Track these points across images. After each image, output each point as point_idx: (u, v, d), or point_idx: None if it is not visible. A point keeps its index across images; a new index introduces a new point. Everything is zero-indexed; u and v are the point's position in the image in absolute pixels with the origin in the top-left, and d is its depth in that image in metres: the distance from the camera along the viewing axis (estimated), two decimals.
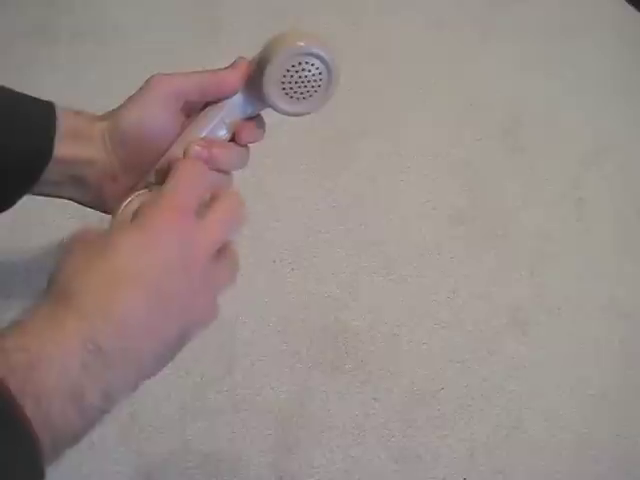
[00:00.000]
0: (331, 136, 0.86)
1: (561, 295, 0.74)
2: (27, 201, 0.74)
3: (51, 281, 0.38)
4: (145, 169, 0.51)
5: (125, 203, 0.48)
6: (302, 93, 0.51)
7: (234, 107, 0.52)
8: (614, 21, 1.03)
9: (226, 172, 0.52)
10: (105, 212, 0.53)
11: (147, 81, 0.52)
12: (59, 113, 0.50)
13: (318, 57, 0.50)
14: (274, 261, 0.74)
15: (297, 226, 0.78)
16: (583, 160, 0.87)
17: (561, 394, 0.67)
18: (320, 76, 0.50)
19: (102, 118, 0.51)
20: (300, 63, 0.49)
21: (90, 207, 0.53)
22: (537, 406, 0.66)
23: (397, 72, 0.94)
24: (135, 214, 0.40)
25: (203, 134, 0.51)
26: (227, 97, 0.51)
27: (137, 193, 0.48)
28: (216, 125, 0.51)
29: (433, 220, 0.79)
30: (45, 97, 0.86)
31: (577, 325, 0.72)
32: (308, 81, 0.50)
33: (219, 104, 0.51)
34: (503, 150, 0.87)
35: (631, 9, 1.05)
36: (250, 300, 0.71)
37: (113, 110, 0.52)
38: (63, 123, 0.49)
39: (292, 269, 0.74)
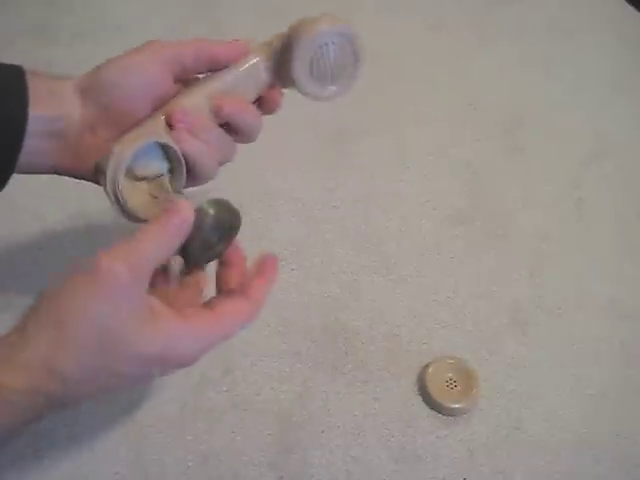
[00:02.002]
0: (331, 136, 0.86)
1: (561, 295, 0.74)
2: (26, 200, 0.75)
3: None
4: (127, 122, 0.50)
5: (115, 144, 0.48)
6: (331, 76, 0.51)
7: (259, 74, 0.51)
8: (614, 21, 1.04)
9: (236, 132, 0.52)
10: (84, 177, 0.52)
11: (142, 45, 0.51)
12: (28, 72, 0.49)
13: (344, 36, 0.50)
14: None
15: (297, 226, 0.78)
16: (583, 160, 0.87)
17: (561, 394, 0.67)
18: (346, 58, 0.51)
19: (80, 75, 0.50)
20: (327, 44, 0.49)
21: (71, 174, 0.52)
22: (537, 406, 0.66)
23: (396, 72, 0.94)
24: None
25: (220, 87, 0.50)
26: (221, 66, 0.50)
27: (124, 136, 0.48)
28: (234, 83, 0.50)
29: (433, 220, 0.79)
30: None
31: (577, 325, 0.72)
32: (336, 63, 0.50)
33: (240, 62, 0.50)
34: (503, 150, 0.87)
35: (631, 9, 1.05)
36: None
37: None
38: (33, 85, 0.48)
39: (292, 269, 0.74)
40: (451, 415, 0.65)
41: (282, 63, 0.50)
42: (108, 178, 0.48)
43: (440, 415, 0.65)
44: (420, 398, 0.66)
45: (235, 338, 0.68)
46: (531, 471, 0.62)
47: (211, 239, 0.47)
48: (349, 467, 0.62)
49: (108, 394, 0.43)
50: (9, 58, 0.91)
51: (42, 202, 0.76)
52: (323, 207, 0.79)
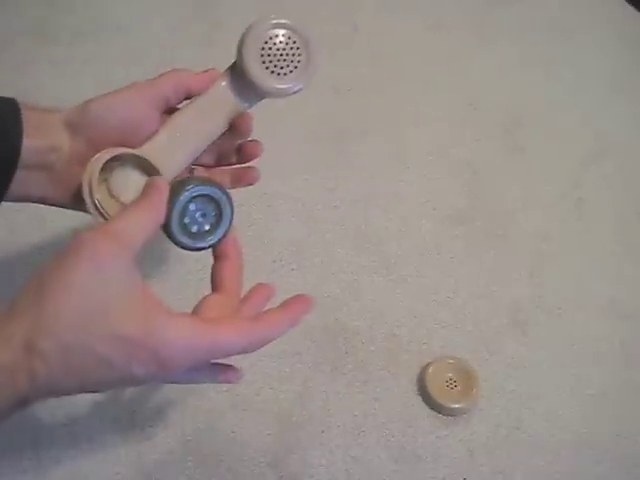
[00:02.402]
0: (331, 136, 0.86)
1: (561, 295, 0.74)
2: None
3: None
4: None
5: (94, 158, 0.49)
6: (284, 67, 0.51)
7: (224, 97, 0.52)
8: (614, 21, 1.03)
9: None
10: (72, 206, 0.52)
11: (129, 84, 0.52)
12: (21, 108, 0.50)
13: (285, 26, 0.52)
14: (274, 261, 0.74)
15: (297, 226, 0.78)
16: (583, 160, 0.87)
17: (561, 394, 0.67)
18: (295, 45, 0.52)
19: (68, 109, 0.51)
20: (271, 37, 0.51)
21: (58, 204, 0.52)
22: (537, 406, 0.66)
23: (396, 72, 0.94)
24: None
25: (194, 120, 0.52)
26: (198, 91, 0.52)
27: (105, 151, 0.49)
28: (201, 111, 0.52)
29: (433, 220, 0.79)
30: (45, 97, 0.87)
31: (577, 325, 0.72)
32: (285, 52, 0.51)
33: (206, 91, 0.52)
34: (503, 150, 0.87)
35: (631, 9, 1.05)
36: None
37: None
38: (26, 117, 0.49)
39: (292, 269, 0.74)
40: (451, 415, 0.65)
41: (239, 73, 0.52)
42: (84, 187, 0.49)
43: (440, 415, 0.65)
44: (420, 398, 0.66)
45: None
46: (531, 471, 0.62)
47: (194, 217, 0.47)
48: (349, 467, 0.62)
49: (95, 388, 0.42)
50: (9, 58, 0.92)
51: None
52: (323, 207, 0.79)
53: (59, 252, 0.41)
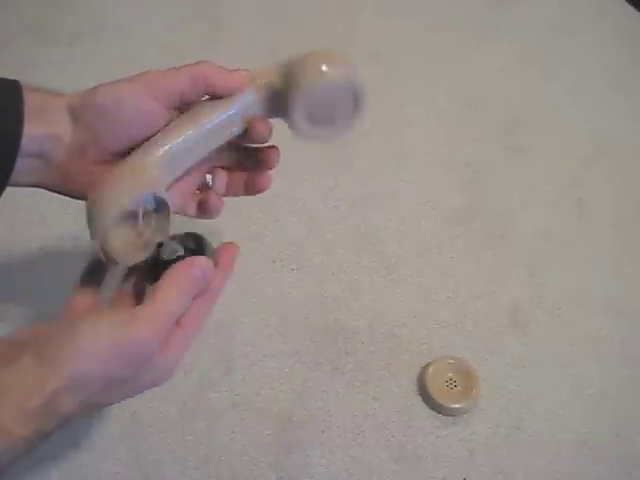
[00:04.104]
0: None
1: (561, 295, 0.74)
2: (27, 200, 0.75)
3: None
4: (117, 147, 0.49)
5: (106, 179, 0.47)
6: (327, 120, 0.49)
7: (249, 108, 0.50)
8: (614, 21, 1.04)
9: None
10: (70, 194, 0.51)
11: (141, 73, 0.50)
12: (23, 89, 0.48)
13: (348, 87, 0.49)
14: (274, 261, 0.74)
15: (297, 226, 0.78)
16: (583, 160, 0.87)
17: (561, 394, 0.67)
18: (347, 103, 0.50)
19: (72, 94, 0.50)
20: (329, 92, 0.48)
21: (56, 190, 0.51)
22: (537, 406, 0.66)
23: (396, 72, 0.94)
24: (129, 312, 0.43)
25: (214, 120, 0.49)
26: (217, 95, 0.49)
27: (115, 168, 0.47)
28: (224, 120, 0.49)
29: (433, 220, 0.79)
30: None
31: (577, 325, 0.72)
32: (335, 108, 0.49)
33: (234, 98, 0.49)
34: (503, 150, 0.87)
35: (631, 9, 1.05)
36: (250, 300, 0.72)
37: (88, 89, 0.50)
38: (27, 101, 0.48)
39: (292, 269, 0.74)
40: (451, 415, 0.65)
41: (279, 101, 0.49)
42: (97, 232, 0.46)
43: (440, 415, 0.65)
44: (420, 398, 0.66)
45: (235, 338, 0.69)
46: (531, 471, 0.62)
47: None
48: (349, 467, 0.62)
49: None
50: (9, 58, 0.92)
51: (42, 202, 0.76)
52: (323, 207, 0.79)
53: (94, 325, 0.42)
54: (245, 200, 0.78)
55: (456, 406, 0.64)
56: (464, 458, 0.63)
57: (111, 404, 0.45)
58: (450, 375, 0.66)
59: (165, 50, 0.94)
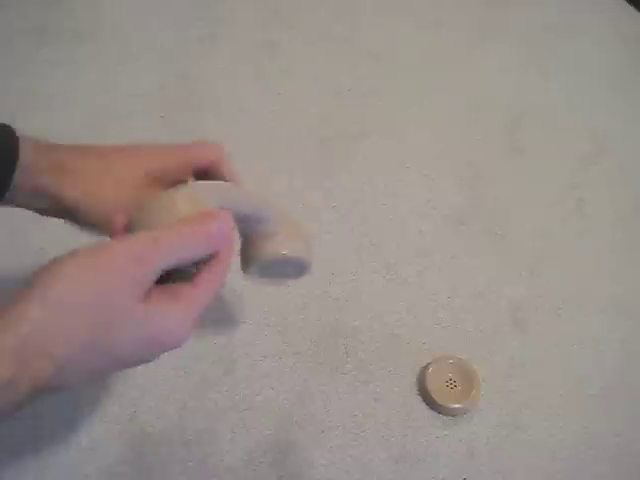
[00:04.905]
0: (330, 136, 0.86)
1: (561, 295, 0.74)
2: None
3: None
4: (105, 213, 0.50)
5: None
6: (277, 274, 0.56)
7: None
8: (614, 21, 1.03)
9: None
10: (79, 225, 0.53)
11: (116, 157, 0.50)
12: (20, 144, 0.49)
13: (298, 262, 0.55)
14: None
15: None
16: (583, 160, 0.87)
17: (561, 394, 0.67)
18: (295, 270, 0.56)
19: (47, 169, 0.50)
20: (282, 263, 0.54)
21: (54, 216, 0.53)
22: (537, 406, 0.66)
23: (396, 72, 0.94)
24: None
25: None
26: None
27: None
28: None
29: (433, 220, 0.79)
30: (45, 97, 0.86)
31: (577, 325, 0.72)
32: (285, 270, 0.56)
33: None
34: (503, 150, 0.87)
35: (631, 9, 1.05)
36: (250, 300, 0.71)
37: (64, 163, 0.50)
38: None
39: None
40: (451, 415, 0.65)
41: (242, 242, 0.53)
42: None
43: (440, 415, 0.65)
44: (420, 398, 0.66)
45: (235, 338, 0.69)
46: (531, 471, 0.62)
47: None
48: (349, 467, 0.62)
49: (100, 378, 0.42)
50: (9, 58, 0.92)
51: None
52: (323, 207, 0.79)
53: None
54: None
55: (456, 406, 0.64)
56: (464, 458, 0.63)
57: (109, 354, 0.39)
58: (450, 375, 0.66)
59: (165, 50, 0.94)
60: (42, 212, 0.52)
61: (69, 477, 0.60)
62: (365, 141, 0.86)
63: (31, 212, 0.53)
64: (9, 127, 0.49)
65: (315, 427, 0.64)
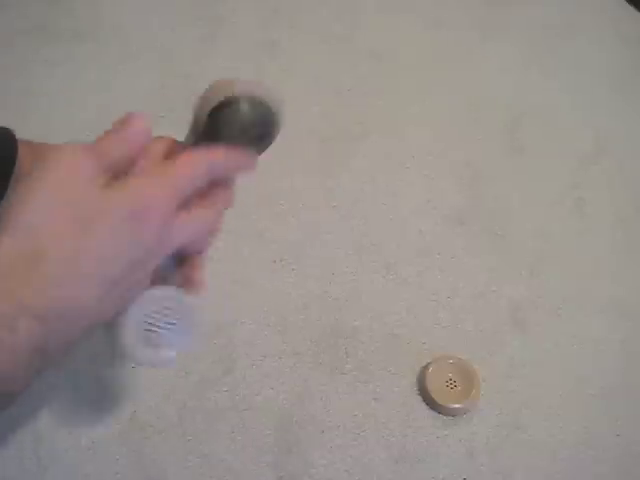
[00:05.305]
0: (331, 136, 0.86)
1: (561, 295, 0.74)
2: None
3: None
4: None
5: None
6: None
7: None
8: (614, 21, 1.03)
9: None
10: None
11: None
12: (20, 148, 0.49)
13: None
14: (274, 261, 0.74)
15: (297, 226, 0.78)
16: (583, 160, 0.87)
17: (561, 394, 0.67)
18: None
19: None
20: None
21: None
22: (537, 406, 0.66)
23: (397, 72, 0.94)
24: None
25: None
26: None
27: None
28: None
29: (433, 220, 0.79)
30: (45, 96, 0.86)
31: (577, 325, 0.72)
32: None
33: None
34: (503, 150, 0.87)
35: (631, 9, 1.05)
36: (250, 300, 0.71)
37: None
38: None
39: (292, 269, 0.74)
40: (451, 415, 0.65)
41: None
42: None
43: (440, 415, 0.65)
44: (420, 398, 0.66)
45: (235, 338, 0.69)
46: (531, 471, 0.62)
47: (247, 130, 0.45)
48: (349, 467, 0.62)
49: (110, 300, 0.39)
50: (9, 57, 0.92)
51: None
52: (323, 207, 0.79)
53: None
54: (245, 200, 0.78)
55: (456, 406, 0.64)
56: (464, 458, 0.63)
57: (103, 283, 0.38)
58: (450, 375, 0.66)
59: (165, 50, 0.94)
60: None
61: (69, 477, 0.60)
62: (365, 141, 0.86)
63: None
64: (8, 130, 0.49)
65: (315, 427, 0.64)
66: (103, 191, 0.39)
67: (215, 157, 0.44)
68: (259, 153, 0.48)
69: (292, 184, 0.81)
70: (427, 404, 0.65)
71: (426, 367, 0.66)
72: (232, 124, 0.45)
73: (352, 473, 0.61)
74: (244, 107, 0.45)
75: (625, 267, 0.77)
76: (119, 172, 0.41)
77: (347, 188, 0.81)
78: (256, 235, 0.76)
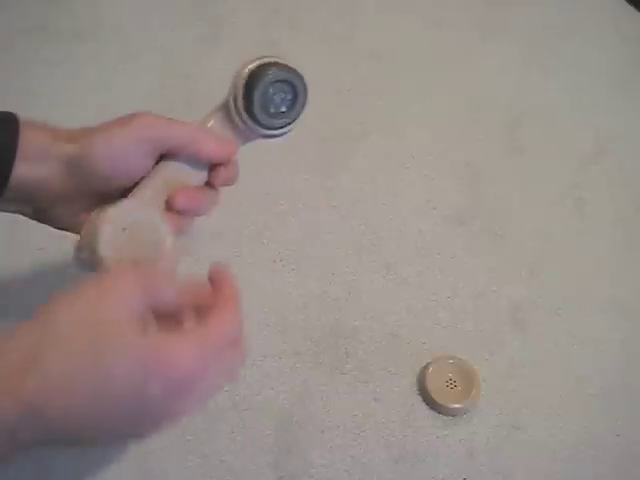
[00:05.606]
0: (331, 136, 0.86)
1: (561, 295, 0.74)
2: None
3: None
4: (104, 195, 0.50)
5: (95, 213, 0.49)
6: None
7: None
8: (614, 21, 1.03)
9: (199, 215, 0.52)
10: (54, 226, 0.52)
11: (131, 117, 0.49)
12: (21, 127, 0.48)
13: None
14: (274, 261, 0.74)
15: (297, 226, 0.78)
16: (583, 160, 0.87)
17: (561, 394, 0.67)
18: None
19: (69, 139, 0.49)
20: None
21: (38, 221, 0.52)
22: (537, 406, 0.66)
23: (397, 72, 0.94)
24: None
25: (186, 176, 0.51)
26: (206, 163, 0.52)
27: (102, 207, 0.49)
28: (197, 168, 0.52)
29: (433, 220, 0.79)
30: (45, 96, 0.86)
31: (577, 325, 0.72)
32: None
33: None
34: (503, 150, 0.87)
35: (631, 9, 1.05)
36: (250, 300, 0.71)
37: (84, 132, 0.50)
38: (23, 141, 0.47)
39: (292, 269, 0.74)
40: (451, 415, 0.65)
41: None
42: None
43: (440, 415, 0.65)
44: (420, 398, 0.66)
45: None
46: (531, 471, 0.62)
47: (272, 99, 0.51)
48: (349, 467, 0.62)
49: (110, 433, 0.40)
50: (9, 57, 0.92)
51: None
52: (323, 207, 0.79)
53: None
54: (245, 200, 0.78)
55: (456, 406, 0.64)
56: (464, 458, 0.63)
57: (110, 420, 0.38)
58: (450, 375, 0.66)
59: (165, 50, 0.94)
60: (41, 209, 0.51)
61: (68, 477, 0.60)
62: (365, 141, 0.86)
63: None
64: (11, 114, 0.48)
65: (315, 427, 0.64)
66: (135, 331, 0.38)
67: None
68: (289, 124, 0.54)
69: (292, 184, 0.81)
70: (427, 404, 0.65)
71: (426, 367, 0.66)
72: (267, 83, 0.50)
73: (352, 473, 0.61)
74: (280, 68, 0.51)
75: (625, 267, 0.77)
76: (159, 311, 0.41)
77: (347, 188, 0.81)
78: (256, 235, 0.76)
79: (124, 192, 0.50)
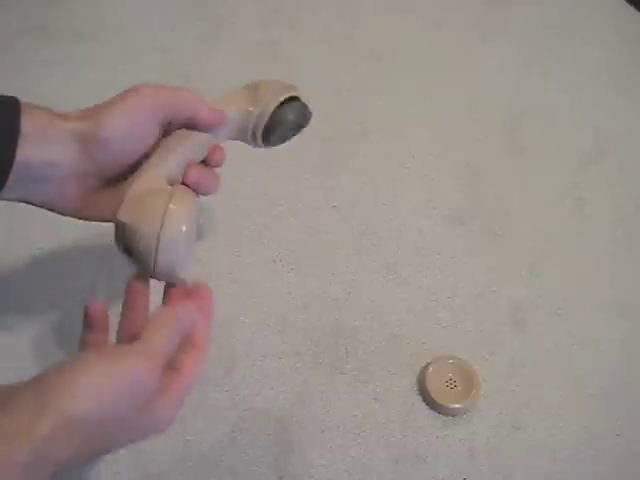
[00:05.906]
0: (331, 136, 0.86)
1: (561, 295, 0.74)
2: None
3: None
4: (114, 172, 0.50)
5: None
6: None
7: (217, 135, 0.55)
8: (614, 21, 1.03)
9: (204, 194, 0.53)
10: (63, 213, 0.52)
11: (134, 89, 0.50)
12: (23, 110, 0.47)
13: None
14: (274, 261, 0.74)
15: (297, 226, 0.78)
16: (583, 160, 0.87)
17: (561, 394, 0.67)
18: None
19: (75, 118, 0.49)
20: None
21: (49, 209, 0.52)
22: (537, 406, 0.66)
23: (397, 71, 0.94)
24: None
25: (186, 154, 0.52)
26: (206, 131, 0.53)
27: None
28: (198, 147, 0.53)
29: (433, 220, 0.79)
30: (45, 96, 0.86)
31: (577, 325, 0.72)
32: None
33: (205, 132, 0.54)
34: (503, 150, 0.87)
35: (631, 9, 1.05)
36: (250, 300, 0.72)
37: (89, 111, 0.50)
38: (26, 123, 0.47)
39: (292, 269, 0.74)
40: (451, 415, 0.65)
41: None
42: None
43: (440, 415, 0.65)
44: (420, 398, 0.66)
45: (235, 338, 0.69)
46: (531, 471, 0.62)
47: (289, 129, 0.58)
48: (349, 467, 0.62)
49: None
50: (9, 57, 0.92)
51: None
52: (323, 207, 0.79)
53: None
54: (245, 200, 0.78)
55: (456, 406, 0.64)
56: (464, 458, 0.63)
57: (108, 451, 0.43)
58: (450, 375, 0.66)
59: (165, 50, 0.94)
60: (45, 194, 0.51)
61: (68, 477, 0.60)
62: (365, 141, 0.86)
63: (30, 210, 0.53)
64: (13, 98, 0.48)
65: (315, 427, 0.64)
66: (136, 415, 0.42)
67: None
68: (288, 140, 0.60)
69: (292, 184, 0.81)
70: (427, 404, 0.65)
71: (426, 367, 0.66)
72: (291, 116, 0.57)
73: (352, 473, 0.61)
74: (300, 105, 0.58)
75: (625, 267, 0.77)
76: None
77: (347, 188, 0.81)
78: (256, 235, 0.76)
79: (131, 168, 0.51)
